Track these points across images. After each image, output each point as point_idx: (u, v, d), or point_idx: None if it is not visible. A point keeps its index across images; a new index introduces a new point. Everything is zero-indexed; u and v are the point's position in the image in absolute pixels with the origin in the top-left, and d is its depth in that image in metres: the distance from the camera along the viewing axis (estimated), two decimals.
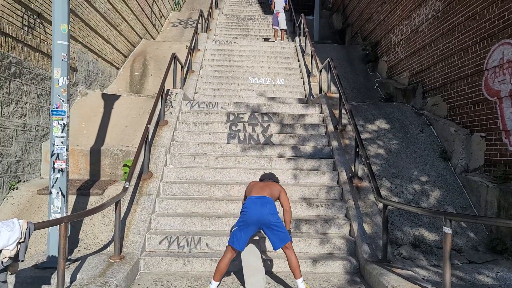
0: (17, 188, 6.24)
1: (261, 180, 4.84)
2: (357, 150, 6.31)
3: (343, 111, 7.62)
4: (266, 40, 14.96)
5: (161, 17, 15.19)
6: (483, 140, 6.67)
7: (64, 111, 4.73)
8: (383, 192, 6.45)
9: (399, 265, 4.88)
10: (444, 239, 3.68)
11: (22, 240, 3.25)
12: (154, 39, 14.10)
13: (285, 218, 4.49)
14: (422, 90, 8.96)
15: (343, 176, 6.50)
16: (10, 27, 6.02)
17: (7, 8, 6.00)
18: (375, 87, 11.27)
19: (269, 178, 4.81)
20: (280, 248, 4.26)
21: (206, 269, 5.01)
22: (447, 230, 3.66)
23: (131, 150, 7.11)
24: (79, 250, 5.22)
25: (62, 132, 4.71)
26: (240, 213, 4.35)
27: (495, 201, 5.94)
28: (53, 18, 4.71)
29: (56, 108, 4.70)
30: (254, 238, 4.56)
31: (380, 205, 5.90)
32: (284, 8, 14.08)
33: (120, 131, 7.76)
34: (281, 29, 13.95)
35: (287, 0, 14.24)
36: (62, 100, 4.72)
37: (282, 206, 4.54)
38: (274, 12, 14.00)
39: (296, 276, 4.26)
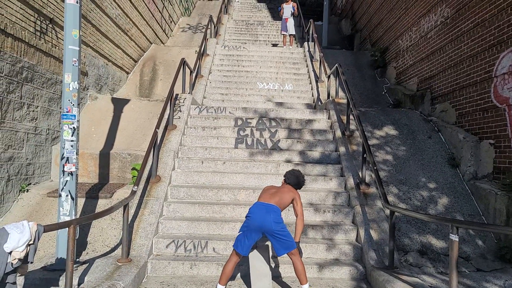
0: (27, 191, 6.33)
1: (284, 176, 4.74)
2: (365, 156, 6.30)
3: (351, 116, 7.62)
4: (274, 45, 15.03)
5: (171, 22, 15.33)
6: (492, 147, 6.63)
7: (75, 115, 4.80)
8: (391, 198, 6.43)
9: (406, 272, 4.86)
10: (450, 247, 3.66)
11: (31, 242, 3.31)
12: (164, 44, 14.23)
13: (297, 226, 4.42)
14: (430, 97, 8.94)
15: (350, 182, 6.49)
16: (23, 32, 6.14)
17: (20, 14, 6.11)
18: (383, 93, 11.26)
19: (290, 180, 4.66)
20: (286, 254, 4.26)
21: (213, 273, 5.03)
22: (454, 237, 3.64)
23: (140, 154, 7.17)
24: (87, 253, 5.27)
25: (72, 136, 4.78)
26: (245, 218, 4.37)
27: (504, 209, 5.89)
28: (64, 24, 4.80)
29: (67, 112, 4.77)
30: (265, 243, 4.57)
31: (387, 212, 5.89)
32: (293, 14, 14.16)
33: (129, 135, 7.84)
34: (290, 35, 14.03)
35: (295, 7, 14.32)
36: (73, 104, 4.80)
37: (295, 212, 4.49)
38: (283, 17, 14.10)
39: (301, 282, 4.26)
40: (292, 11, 14.16)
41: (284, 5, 14.29)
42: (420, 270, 5.35)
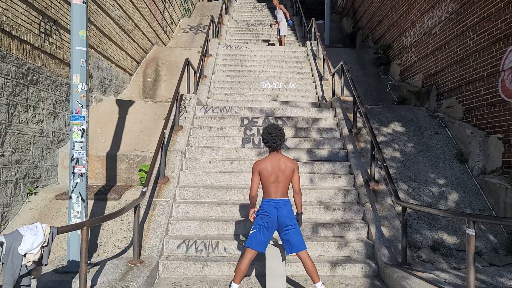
0: (35, 194, 6.30)
1: (265, 142, 4.38)
2: (373, 153, 6.27)
3: (358, 114, 7.59)
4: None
5: (172, 23, 15.31)
6: (501, 141, 6.59)
7: (84, 117, 4.77)
8: (400, 195, 6.39)
9: (419, 268, 4.82)
10: (467, 241, 3.63)
11: (45, 244, 3.28)
12: (165, 45, 14.21)
13: (295, 200, 4.46)
14: (436, 93, 8.90)
15: (360, 179, 6.45)
16: (28, 34, 6.11)
17: (25, 16, 6.09)
18: (387, 90, 11.22)
19: (276, 143, 4.35)
20: (295, 253, 4.26)
21: (225, 273, 5.00)
22: (471, 232, 3.61)
23: (147, 155, 7.14)
24: (98, 255, 5.24)
25: (81, 137, 4.75)
26: (257, 216, 4.33)
27: None
28: (71, 25, 4.77)
29: (76, 113, 4.74)
30: (279, 243, 4.55)
31: (398, 208, 5.87)
32: (285, 16, 14.47)
33: (135, 137, 7.81)
34: (282, 35, 14.26)
35: (282, 10, 14.68)
36: (81, 106, 4.76)
37: (293, 187, 4.42)
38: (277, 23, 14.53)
39: (314, 280, 4.23)
40: (283, 13, 14.51)
41: (276, 11, 14.91)
42: (433, 266, 5.31)
